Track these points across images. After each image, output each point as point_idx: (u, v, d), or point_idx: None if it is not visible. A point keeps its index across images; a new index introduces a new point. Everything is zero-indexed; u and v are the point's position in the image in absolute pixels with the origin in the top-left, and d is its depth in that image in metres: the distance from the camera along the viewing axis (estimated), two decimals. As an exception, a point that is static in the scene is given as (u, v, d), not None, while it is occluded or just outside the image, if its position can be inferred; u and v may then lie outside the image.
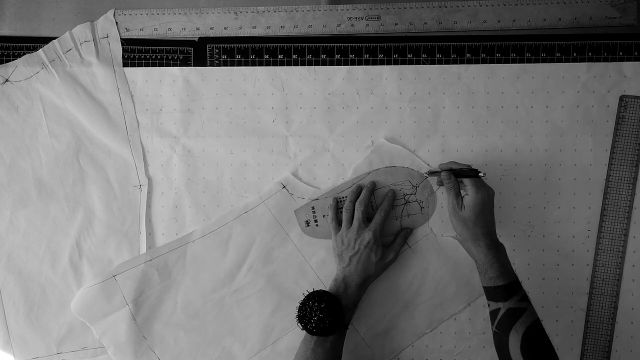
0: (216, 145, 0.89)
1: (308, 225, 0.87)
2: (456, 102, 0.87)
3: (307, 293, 0.79)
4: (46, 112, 0.89)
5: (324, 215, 0.87)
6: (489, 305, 0.75)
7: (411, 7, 0.89)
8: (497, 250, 0.75)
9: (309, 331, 0.76)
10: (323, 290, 0.79)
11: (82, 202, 0.89)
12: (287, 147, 0.89)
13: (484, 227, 0.75)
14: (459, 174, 0.78)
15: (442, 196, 0.87)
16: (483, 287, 0.76)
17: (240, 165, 0.89)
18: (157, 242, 0.89)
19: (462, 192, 0.78)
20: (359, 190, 0.85)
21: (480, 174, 0.76)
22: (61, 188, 0.89)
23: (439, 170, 0.81)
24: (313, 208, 0.87)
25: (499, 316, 0.72)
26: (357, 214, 0.83)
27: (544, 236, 0.87)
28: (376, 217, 0.83)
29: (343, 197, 0.87)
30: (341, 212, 0.85)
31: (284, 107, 0.89)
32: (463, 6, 0.88)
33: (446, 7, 0.88)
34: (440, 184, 0.85)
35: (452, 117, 0.87)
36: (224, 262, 0.87)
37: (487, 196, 0.76)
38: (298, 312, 0.77)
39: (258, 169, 0.89)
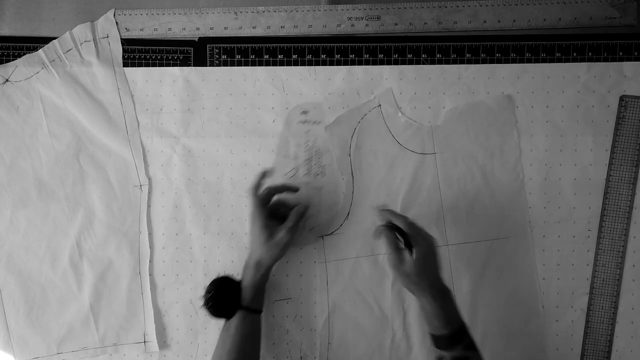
0: (216, 145, 0.89)
1: None
2: (456, 102, 0.87)
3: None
4: (46, 112, 0.89)
5: None
6: (435, 351, 0.74)
7: (411, 7, 0.89)
8: (442, 299, 0.73)
9: (211, 315, 0.79)
10: (219, 276, 0.82)
11: (82, 202, 0.89)
12: (288, 147, 0.89)
13: (427, 278, 0.74)
14: (398, 230, 0.75)
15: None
16: (429, 333, 0.75)
17: (241, 165, 0.89)
18: (157, 242, 0.89)
19: (401, 244, 0.76)
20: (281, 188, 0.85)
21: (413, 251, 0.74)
22: (61, 188, 0.89)
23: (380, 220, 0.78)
24: None
25: None
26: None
27: (544, 236, 0.87)
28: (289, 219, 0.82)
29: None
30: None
31: (284, 107, 0.89)
32: (463, 6, 0.88)
33: (446, 7, 0.88)
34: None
35: (452, 116, 0.87)
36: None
37: (429, 247, 0.74)
38: (202, 298, 0.80)
39: (258, 169, 0.88)
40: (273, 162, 0.88)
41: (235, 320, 0.78)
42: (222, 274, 0.83)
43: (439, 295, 0.73)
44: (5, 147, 0.89)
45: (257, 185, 0.81)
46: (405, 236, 0.75)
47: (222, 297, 0.79)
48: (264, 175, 0.81)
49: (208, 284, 0.80)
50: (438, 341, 0.73)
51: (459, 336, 0.72)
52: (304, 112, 0.86)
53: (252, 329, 0.80)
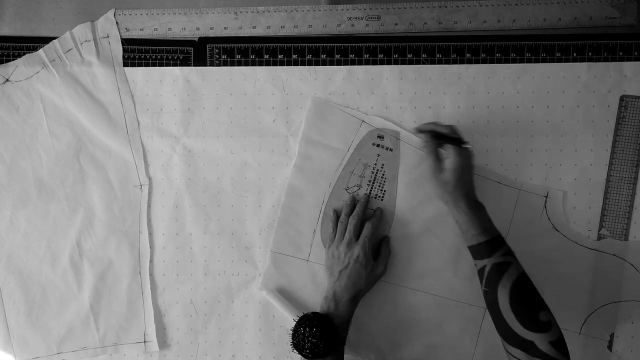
0: (217, 145, 0.89)
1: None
2: (457, 102, 0.87)
3: (298, 318, 0.78)
4: (46, 112, 0.89)
5: (313, 231, 0.88)
6: (475, 264, 0.75)
7: (411, 7, 0.89)
8: (477, 209, 0.75)
9: (305, 357, 0.76)
10: (313, 313, 0.77)
11: (82, 202, 0.89)
12: (288, 147, 0.89)
13: (463, 189, 0.76)
14: (442, 138, 0.78)
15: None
16: (467, 247, 0.76)
17: (241, 165, 0.89)
18: (157, 242, 0.89)
19: (442, 155, 0.79)
20: (353, 203, 0.86)
21: (465, 146, 0.77)
22: (61, 188, 0.89)
23: (421, 130, 0.81)
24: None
25: (485, 273, 0.72)
26: (350, 227, 0.83)
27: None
28: (364, 232, 0.82)
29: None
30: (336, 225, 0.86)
31: (284, 107, 0.89)
32: (463, 6, 0.88)
33: (446, 7, 0.88)
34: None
35: (453, 117, 0.87)
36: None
37: (467, 159, 0.77)
38: (292, 339, 0.77)
39: (258, 169, 0.88)
40: (338, 175, 0.88)
41: (331, 357, 0.76)
42: (302, 313, 0.79)
43: (473, 206, 0.75)
44: (5, 147, 0.89)
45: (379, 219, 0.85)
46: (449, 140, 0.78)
47: (326, 336, 0.75)
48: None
49: (303, 323, 0.76)
50: (477, 251, 0.74)
51: (497, 243, 0.73)
52: (380, 137, 0.86)
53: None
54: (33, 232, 0.89)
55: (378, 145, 0.87)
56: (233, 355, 0.88)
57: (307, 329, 0.75)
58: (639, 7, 0.87)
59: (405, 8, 0.89)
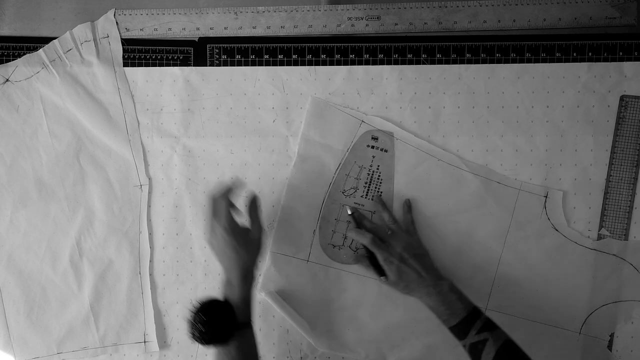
0: (217, 145, 0.89)
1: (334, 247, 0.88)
2: (457, 102, 0.87)
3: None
4: (46, 112, 0.89)
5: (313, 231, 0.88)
6: (458, 343, 0.74)
7: (411, 7, 0.89)
8: (438, 293, 0.75)
9: (202, 344, 0.70)
10: (201, 302, 0.72)
11: (82, 202, 0.89)
12: (288, 147, 0.89)
13: (414, 281, 0.78)
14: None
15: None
16: (448, 328, 0.75)
17: (241, 165, 0.89)
18: (157, 242, 0.89)
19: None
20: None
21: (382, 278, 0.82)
22: (61, 188, 0.89)
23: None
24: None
25: (466, 352, 0.72)
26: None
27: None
28: (214, 222, 0.76)
29: None
30: None
31: (284, 107, 0.89)
32: (463, 6, 0.88)
33: (446, 7, 0.88)
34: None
35: (453, 117, 0.87)
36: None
37: (398, 257, 0.79)
38: (190, 331, 0.71)
39: (258, 169, 0.88)
40: (333, 177, 0.88)
41: (235, 342, 0.71)
42: (195, 300, 0.74)
43: (434, 290, 0.75)
44: (6, 147, 0.89)
45: (226, 193, 0.76)
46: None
47: (216, 323, 0.70)
48: (232, 187, 0.77)
49: (193, 313, 0.71)
50: (454, 332, 0.74)
51: (468, 322, 0.72)
52: (374, 138, 0.86)
53: (251, 342, 0.75)
54: (33, 232, 0.89)
55: (372, 147, 0.87)
56: (233, 355, 0.88)
57: (196, 316, 0.70)
58: (639, 7, 0.87)
59: (405, 8, 0.89)
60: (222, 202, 0.76)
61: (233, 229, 0.75)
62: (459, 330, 0.73)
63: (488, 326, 0.72)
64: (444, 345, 0.86)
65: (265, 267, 0.87)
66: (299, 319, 0.86)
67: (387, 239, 0.82)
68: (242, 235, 0.76)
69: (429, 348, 0.86)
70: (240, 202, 0.82)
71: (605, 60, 0.87)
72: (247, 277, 0.75)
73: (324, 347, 0.86)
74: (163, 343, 0.89)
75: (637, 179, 0.86)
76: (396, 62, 0.88)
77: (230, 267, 0.75)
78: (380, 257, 0.80)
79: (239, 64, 0.90)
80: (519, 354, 0.70)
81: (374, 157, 0.87)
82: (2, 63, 0.89)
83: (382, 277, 0.81)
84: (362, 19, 0.89)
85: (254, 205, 0.80)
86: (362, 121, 0.87)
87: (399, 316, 0.86)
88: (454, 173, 0.86)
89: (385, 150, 0.87)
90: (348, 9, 0.89)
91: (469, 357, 0.72)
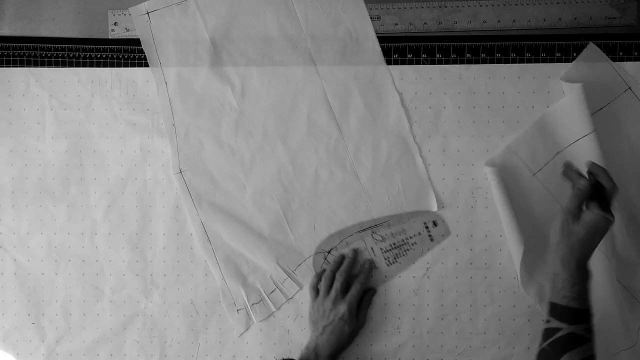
0: (217, 146, 0.89)
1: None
2: (457, 102, 0.87)
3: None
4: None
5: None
6: (548, 321, 0.70)
7: (411, 7, 0.89)
8: (583, 274, 0.70)
9: None
10: None
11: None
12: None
13: (582, 251, 0.71)
14: (596, 193, 0.72)
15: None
16: (549, 302, 0.71)
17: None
18: (158, 242, 0.89)
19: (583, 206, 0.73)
20: (341, 260, 0.86)
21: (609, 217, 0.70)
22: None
23: (590, 171, 0.74)
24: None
25: (556, 335, 0.68)
26: (336, 284, 0.83)
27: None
28: (352, 290, 0.83)
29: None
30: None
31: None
32: (463, 6, 0.88)
33: (446, 7, 0.88)
34: (567, 177, 0.75)
35: (453, 117, 0.87)
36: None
37: (606, 228, 0.71)
38: None
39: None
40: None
41: None
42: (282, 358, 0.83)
43: (581, 269, 0.70)
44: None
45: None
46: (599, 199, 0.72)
47: None
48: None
49: None
50: (561, 312, 0.69)
51: (584, 316, 0.69)
52: (434, 224, 0.87)
53: None
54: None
55: (426, 227, 0.87)
56: (234, 356, 0.88)
57: None
58: (639, 7, 0.87)
59: (405, 8, 0.89)
60: (363, 278, 0.85)
61: (354, 313, 0.82)
62: (572, 314, 0.68)
63: (592, 331, 0.69)
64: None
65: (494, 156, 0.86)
66: (515, 228, 0.83)
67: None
68: (355, 322, 0.82)
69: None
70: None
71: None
72: (336, 356, 0.80)
73: (524, 282, 0.84)
74: (164, 343, 0.88)
75: (638, 178, 0.86)
76: (396, 62, 0.88)
77: (329, 343, 0.80)
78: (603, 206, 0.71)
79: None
80: None
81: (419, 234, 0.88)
82: (2, 63, 0.89)
83: (577, 211, 0.72)
84: (362, 19, 0.89)
85: (369, 297, 0.85)
86: None
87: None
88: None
89: (432, 239, 0.87)
90: (348, 9, 0.89)
91: (551, 337, 0.68)
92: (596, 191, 0.72)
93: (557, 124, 0.85)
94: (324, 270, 0.86)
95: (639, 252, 0.84)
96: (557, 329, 0.68)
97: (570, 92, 0.83)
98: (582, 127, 0.82)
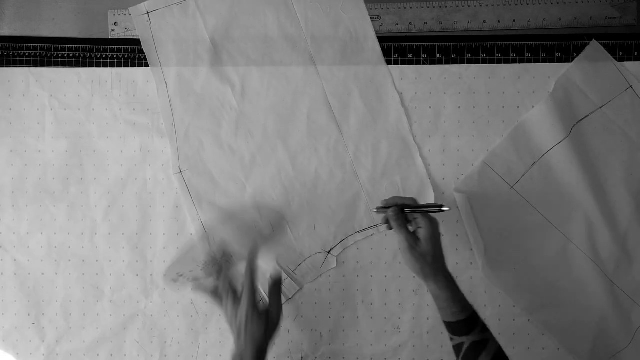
0: (217, 146, 0.89)
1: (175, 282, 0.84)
2: (457, 102, 0.87)
3: None
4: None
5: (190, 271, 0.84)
6: (452, 339, 0.72)
7: (411, 7, 0.89)
8: (454, 283, 0.73)
9: None
10: None
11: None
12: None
13: (440, 259, 0.74)
14: (417, 210, 0.75)
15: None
16: (444, 322, 0.73)
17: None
18: (158, 242, 0.89)
19: (410, 227, 0.76)
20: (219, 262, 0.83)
21: (444, 208, 0.74)
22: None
23: (385, 207, 0.77)
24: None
25: (463, 350, 0.71)
26: (226, 286, 0.80)
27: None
28: (243, 297, 0.77)
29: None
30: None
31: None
32: (463, 6, 0.88)
33: (446, 7, 0.88)
34: (386, 222, 0.77)
35: (453, 117, 0.87)
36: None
37: (437, 227, 0.74)
38: None
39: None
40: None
41: None
42: None
43: (451, 279, 0.73)
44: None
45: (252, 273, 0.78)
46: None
47: None
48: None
49: None
50: (456, 328, 0.72)
51: (475, 320, 0.72)
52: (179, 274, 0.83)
53: None
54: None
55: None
56: (234, 356, 0.88)
57: None
58: (639, 7, 0.87)
59: (405, 8, 0.89)
60: (247, 279, 0.77)
61: (256, 313, 0.76)
62: (466, 325, 0.71)
63: (487, 328, 0.72)
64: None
65: (471, 172, 0.87)
66: (478, 237, 0.85)
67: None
68: (264, 315, 0.77)
69: (577, 324, 0.85)
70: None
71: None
72: (261, 355, 0.76)
73: (484, 272, 0.85)
74: (164, 343, 0.88)
75: None
76: (396, 62, 0.88)
77: (245, 343, 0.75)
78: (422, 214, 0.75)
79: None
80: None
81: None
82: (2, 63, 0.89)
83: (411, 235, 0.75)
84: (362, 19, 0.89)
85: (277, 284, 0.81)
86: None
87: (570, 281, 0.85)
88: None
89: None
90: (348, 9, 0.89)
91: (460, 353, 0.71)
92: (423, 211, 0.75)
93: (530, 135, 0.86)
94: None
95: (621, 245, 0.85)
96: (461, 344, 0.71)
97: (542, 101, 0.85)
98: (555, 135, 0.84)
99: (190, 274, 0.82)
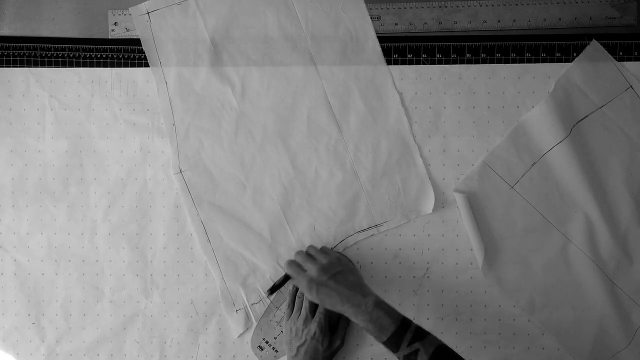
0: (217, 146, 0.89)
1: (262, 350, 0.87)
2: (457, 102, 0.87)
3: None
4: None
5: (274, 338, 0.87)
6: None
7: (411, 7, 0.89)
8: (364, 313, 0.73)
9: None
10: None
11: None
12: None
13: (336, 304, 0.74)
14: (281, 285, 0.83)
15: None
16: (383, 344, 0.73)
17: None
18: (158, 242, 0.88)
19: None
20: None
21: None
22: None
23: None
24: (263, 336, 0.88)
25: (415, 357, 0.70)
26: (305, 303, 0.82)
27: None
28: (320, 308, 0.81)
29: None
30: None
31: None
32: (463, 6, 0.88)
33: (446, 7, 0.88)
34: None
35: (453, 117, 0.87)
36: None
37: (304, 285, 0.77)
38: None
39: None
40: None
41: None
42: None
43: (358, 310, 0.73)
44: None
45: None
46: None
47: None
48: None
49: None
50: (387, 347, 0.72)
51: (398, 336, 0.71)
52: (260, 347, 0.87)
53: None
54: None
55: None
56: (234, 356, 0.88)
57: None
58: (639, 7, 0.87)
59: (405, 8, 0.89)
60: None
61: (326, 331, 0.81)
62: (391, 345, 0.71)
63: (418, 335, 0.71)
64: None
65: (471, 172, 0.87)
66: (478, 237, 0.85)
67: (303, 264, 0.80)
68: (328, 339, 0.81)
69: (577, 324, 0.85)
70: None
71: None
72: None
73: (484, 271, 0.85)
74: (164, 344, 0.88)
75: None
76: (396, 62, 0.88)
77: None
78: (301, 285, 0.78)
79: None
80: (452, 357, 0.70)
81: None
82: (2, 63, 0.89)
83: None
84: (362, 19, 0.89)
85: (346, 318, 0.80)
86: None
87: (570, 281, 0.85)
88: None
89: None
90: (348, 9, 0.89)
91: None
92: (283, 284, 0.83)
93: (530, 135, 0.86)
94: (296, 290, 0.85)
95: (621, 245, 0.85)
96: (416, 351, 0.70)
97: (542, 101, 0.85)
98: (555, 135, 0.84)
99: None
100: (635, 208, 0.84)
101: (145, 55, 0.89)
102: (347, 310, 0.73)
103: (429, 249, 0.87)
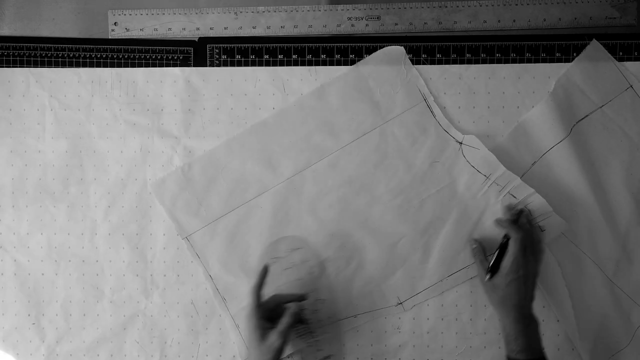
0: (217, 146, 0.89)
1: None
2: (457, 102, 0.87)
3: None
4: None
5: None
6: None
7: (411, 7, 0.89)
8: (526, 325, 0.73)
9: None
10: None
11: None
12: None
13: (514, 297, 0.74)
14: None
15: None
16: (506, 356, 0.75)
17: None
18: (158, 242, 0.89)
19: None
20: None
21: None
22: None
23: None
24: None
25: None
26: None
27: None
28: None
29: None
30: None
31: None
32: (463, 6, 0.88)
33: (446, 7, 0.88)
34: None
35: (454, 117, 0.87)
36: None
37: (524, 269, 0.74)
38: None
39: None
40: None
41: None
42: None
43: (522, 320, 0.73)
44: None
45: (260, 284, 0.78)
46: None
47: None
48: (265, 272, 0.79)
49: None
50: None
51: None
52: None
53: None
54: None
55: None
56: (234, 356, 0.88)
57: None
58: (639, 7, 0.87)
59: (405, 8, 0.89)
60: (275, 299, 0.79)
61: (262, 324, 0.76)
62: None
63: None
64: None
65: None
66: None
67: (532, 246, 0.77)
68: (265, 333, 0.75)
69: (577, 324, 0.85)
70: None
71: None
72: None
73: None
74: (164, 344, 0.88)
75: (638, 178, 0.87)
76: (396, 62, 0.89)
77: (247, 356, 0.78)
78: (515, 250, 0.74)
79: (239, 64, 0.90)
80: None
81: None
82: (2, 63, 0.89)
83: (487, 275, 0.78)
84: (362, 19, 0.89)
85: (294, 314, 0.77)
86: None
87: (569, 281, 0.84)
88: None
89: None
90: (348, 9, 0.89)
91: None
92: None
93: (530, 135, 0.86)
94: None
95: (621, 245, 0.85)
96: None
97: (542, 101, 0.85)
98: (555, 135, 0.84)
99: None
100: (635, 208, 0.84)
101: (145, 55, 0.89)
102: (512, 313, 0.74)
103: (429, 249, 0.87)
